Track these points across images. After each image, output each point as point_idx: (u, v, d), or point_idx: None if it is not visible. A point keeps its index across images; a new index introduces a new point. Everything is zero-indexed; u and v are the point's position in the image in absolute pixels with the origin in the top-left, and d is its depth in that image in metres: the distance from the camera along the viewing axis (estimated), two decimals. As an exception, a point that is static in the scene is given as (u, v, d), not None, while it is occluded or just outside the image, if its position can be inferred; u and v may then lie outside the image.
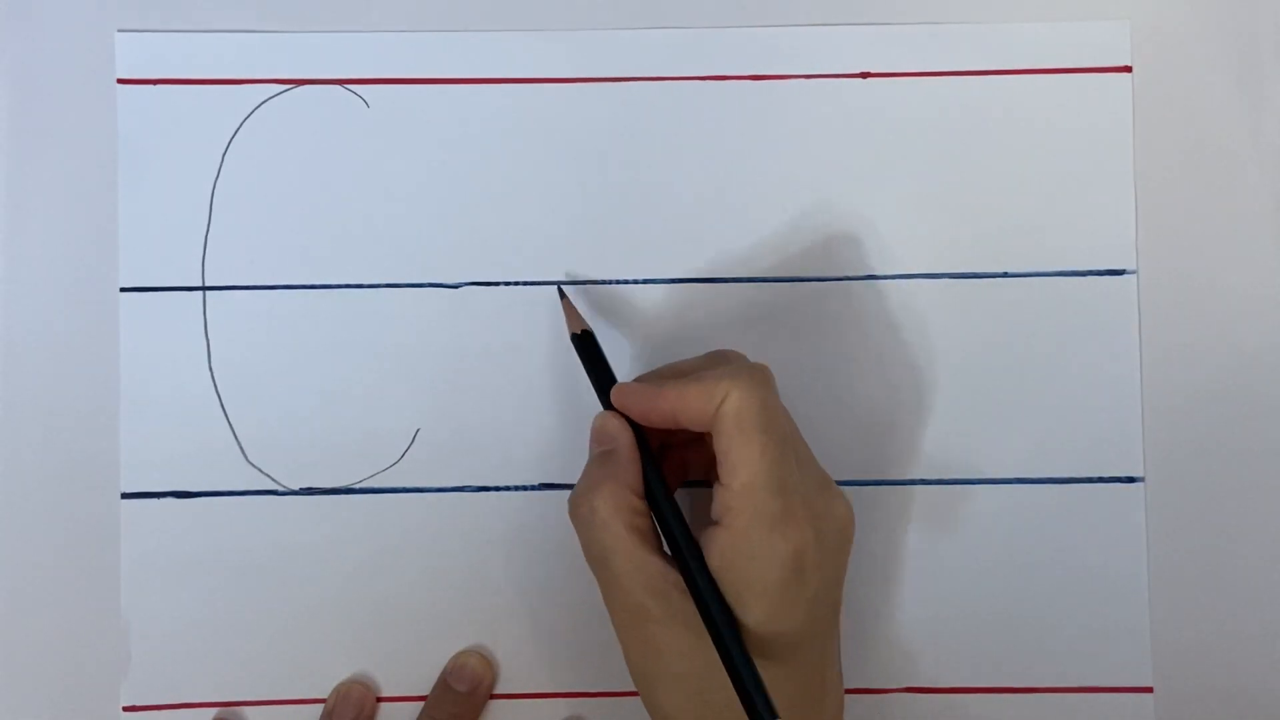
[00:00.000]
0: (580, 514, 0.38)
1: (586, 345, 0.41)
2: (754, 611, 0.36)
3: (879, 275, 0.45)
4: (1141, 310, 0.45)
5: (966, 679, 0.45)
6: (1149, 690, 0.44)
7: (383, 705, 0.44)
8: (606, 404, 0.40)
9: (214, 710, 0.44)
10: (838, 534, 0.37)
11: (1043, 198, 0.45)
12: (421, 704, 0.44)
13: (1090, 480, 0.45)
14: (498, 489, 0.45)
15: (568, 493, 0.44)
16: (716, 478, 0.36)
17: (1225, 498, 0.45)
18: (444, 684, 0.44)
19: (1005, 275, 0.45)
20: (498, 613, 0.45)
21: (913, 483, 0.45)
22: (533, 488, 0.44)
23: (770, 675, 0.35)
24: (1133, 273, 0.45)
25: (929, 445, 0.45)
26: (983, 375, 0.45)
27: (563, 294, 0.44)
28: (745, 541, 0.35)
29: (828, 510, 0.37)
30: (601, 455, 0.39)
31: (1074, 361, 0.45)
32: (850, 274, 0.45)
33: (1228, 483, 0.45)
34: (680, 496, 0.41)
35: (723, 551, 0.36)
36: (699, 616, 0.36)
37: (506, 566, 0.44)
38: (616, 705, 0.44)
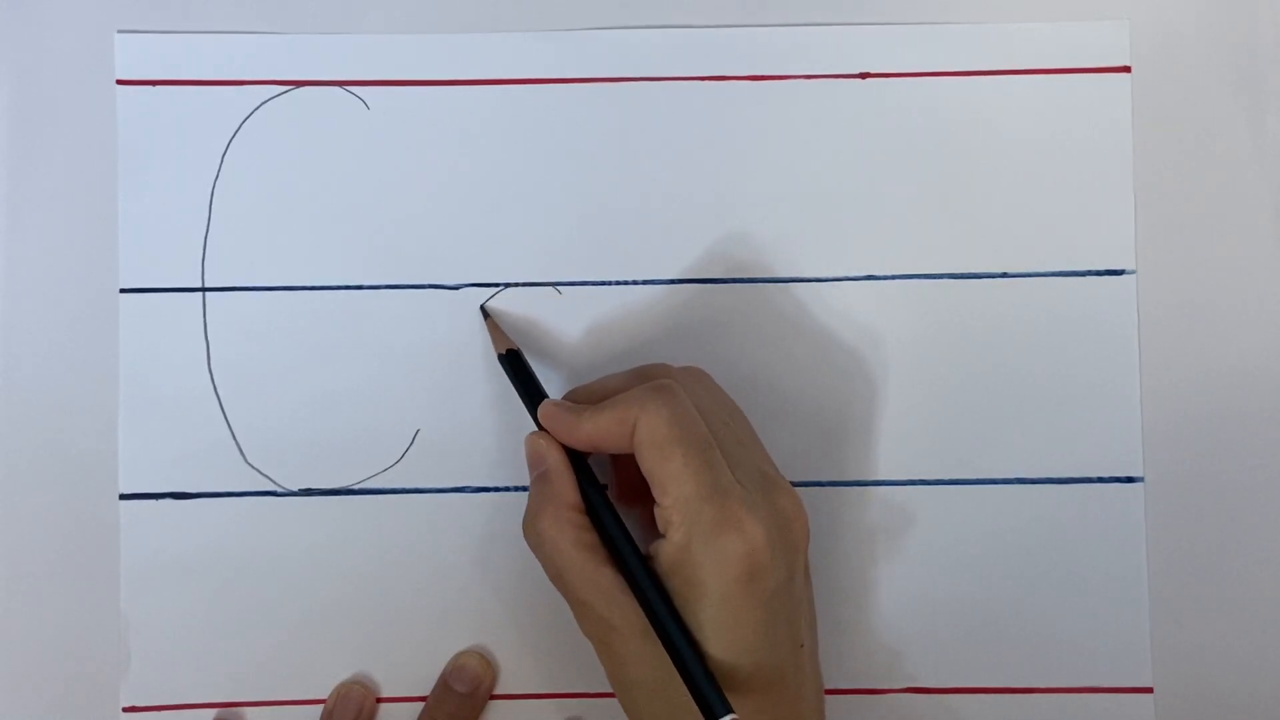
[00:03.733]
0: (530, 540, 0.39)
1: (515, 364, 0.42)
2: (706, 616, 0.36)
3: (878, 275, 0.45)
4: (1141, 310, 0.45)
5: (966, 679, 0.45)
6: (1149, 690, 0.44)
7: (383, 705, 0.44)
8: (538, 422, 0.40)
9: (214, 711, 0.44)
10: (785, 529, 0.38)
11: (1042, 198, 0.45)
12: (422, 704, 0.44)
13: (1090, 480, 0.45)
14: (498, 489, 0.45)
15: (488, 314, 0.44)
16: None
17: (1225, 498, 0.45)
18: (444, 684, 0.44)
19: (1005, 275, 0.45)
20: (498, 613, 0.45)
21: (912, 483, 0.45)
22: (532, 488, 0.45)
23: (736, 685, 0.36)
24: (1132, 273, 0.45)
25: (928, 445, 0.45)
26: (982, 375, 0.45)
27: (486, 315, 0.44)
28: (689, 552, 0.36)
29: (772, 508, 0.37)
30: (538, 479, 0.40)
31: (1073, 362, 0.45)
32: (850, 274, 0.45)
33: (1228, 483, 0.45)
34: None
35: (671, 561, 0.37)
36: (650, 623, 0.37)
37: (506, 566, 0.44)
38: (616, 706, 0.44)
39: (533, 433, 0.40)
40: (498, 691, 0.44)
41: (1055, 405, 0.45)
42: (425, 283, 0.45)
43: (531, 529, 0.39)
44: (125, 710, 0.44)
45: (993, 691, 0.45)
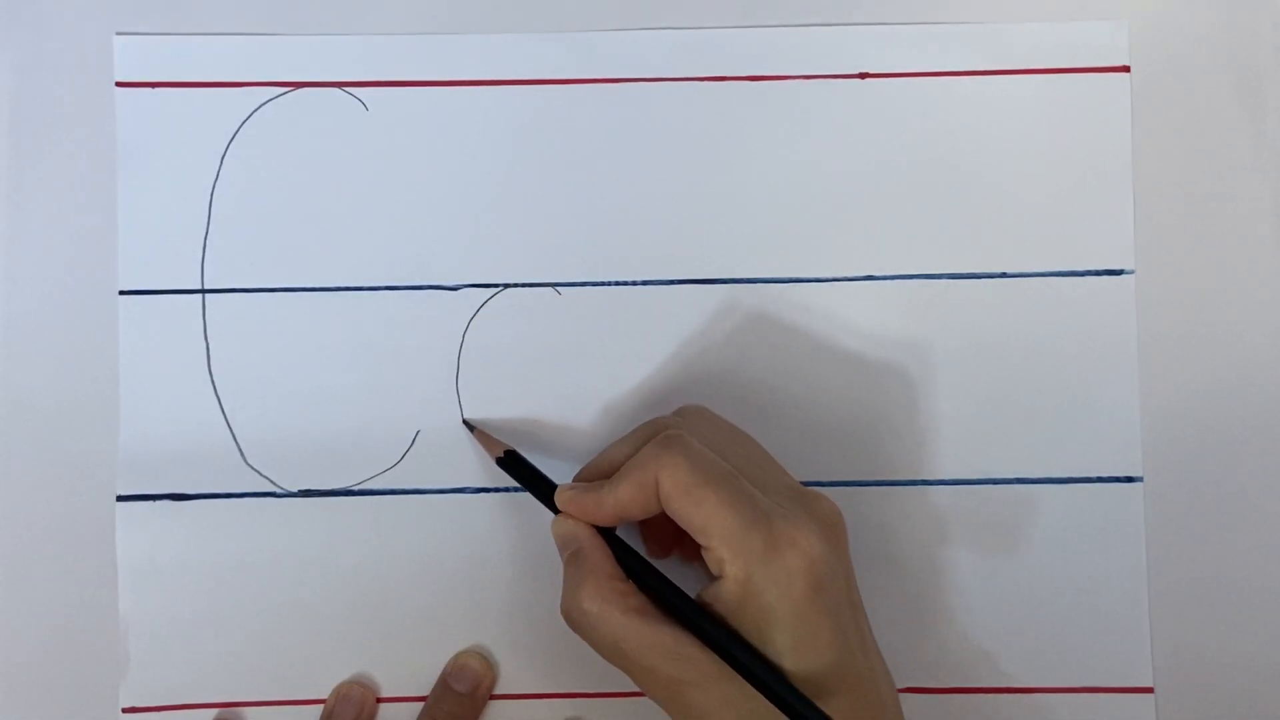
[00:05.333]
0: (575, 620, 0.38)
1: (514, 465, 0.42)
2: (783, 640, 0.36)
3: (877, 276, 0.45)
4: (1140, 310, 0.45)
5: (966, 679, 0.45)
6: (1149, 690, 0.44)
7: (383, 705, 0.44)
8: (554, 508, 0.40)
9: (214, 711, 0.44)
10: (832, 534, 0.38)
11: (1042, 198, 0.45)
12: (421, 704, 0.44)
13: (1089, 480, 0.45)
14: (497, 490, 0.45)
15: (474, 426, 0.44)
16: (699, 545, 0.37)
17: (1224, 498, 0.45)
18: (444, 684, 0.44)
19: (1004, 275, 0.45)
20: (498, 613, 0.45)
21: (912, 483, 0.45)
22: (533, 488, 0.45)
23: (821, 696, 0.36)
24: (1131, 273, 0.45)
25: (928, 446, 0.45)
26: (982, 375, 0.45)
27: (472, 428, 0.44)
28: (750, 584, 0.36)
29: (813, 516, 0.37)
30: (571, 558, 0.39)
31: (1073, 362, 0.45)
32: (848, 274, 0.45)
33: (1227, 483, 0.45)
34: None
35: (733, 597, 0.36)
36: (727, 664, 0.36)
37: (506, 566, 0.45)
38: (616, 705, 0.44)
39: (558, 516, 0.40)
40: (498, 691, 0.45)
41: (1054, 405, 0.45)
42: (425, 283, 0.45)
43: (575, 608, 0.38)
44: (125, 711, 0.44)
45: (993, 691, 0.45)
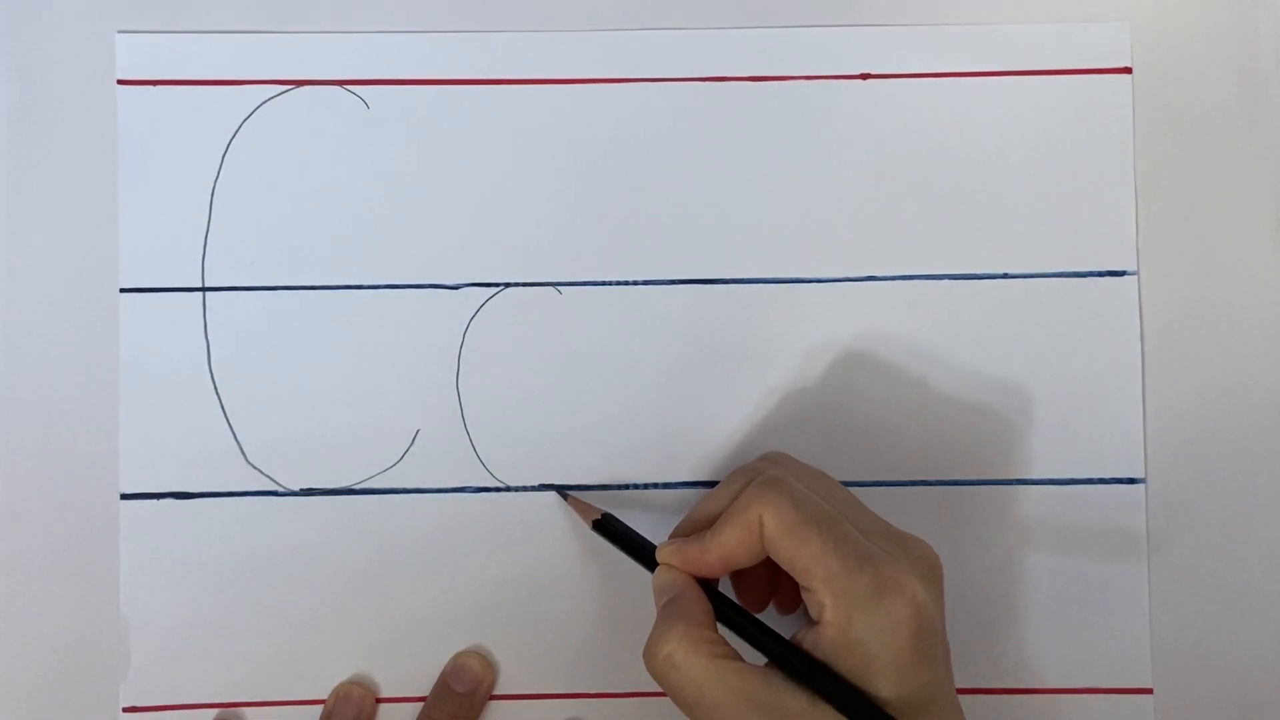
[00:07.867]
0: (658, 665, 0.36)
1: (610, 528, 0.42)
2: (884, 687, 0.35)
3: (879, 276, 0.45)
4: (1142, 311, 0.45)
5: (967, 679, 0.45)
6: (1149, 691, 0.44)
7: (383, 705, 0.44)
8: (652, 565, 0.39)
9: (214, 711, 0.44)
10: (932, 575, 0.37)
11: (1043, 199, 0.45)
12: (421, 704, 0.44)
13: (1091, 481, 0.45)
14: (498, 489, 0.45)
15: (566, 493, 0.44)
16: (799, 587, 0.36)
17: (1225, 499, 0.45)
18: (444, 684, 0.44)
19: (1005, 276, 0.45)
20: (498, 613, 0.45)
21: (913, 484, 0.45)
22: (533, 488, 0.44)
23: None
24: (1133, 274, 0.45)
25: (929, 446, 0.45)
26: (983, 377, 0.45)
27: (565, 495, 0.44)
28: (850, 630, 0.35)
29: (914, 558, 0.37)
30: (666, 605, 0.38)
31: (1075, 363, 0.45)
32: (850, 275, 0.45)
33: (1228, 484, 0.45)
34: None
35: (832, 643, 0.35)
36: (815, 704, 0.35)
37: (507, 566, 0.44)
38: (616, 705, 0.44)
39: (658, 568, 0.39)
40: (498, 691, 0.44)
41: (1056, 406, 0.45)
42: (425, 283, 0.45)
43: (659, 652, 0.36)
44: (125, 710, 0.44)
45: (993, 692, 0.45)
